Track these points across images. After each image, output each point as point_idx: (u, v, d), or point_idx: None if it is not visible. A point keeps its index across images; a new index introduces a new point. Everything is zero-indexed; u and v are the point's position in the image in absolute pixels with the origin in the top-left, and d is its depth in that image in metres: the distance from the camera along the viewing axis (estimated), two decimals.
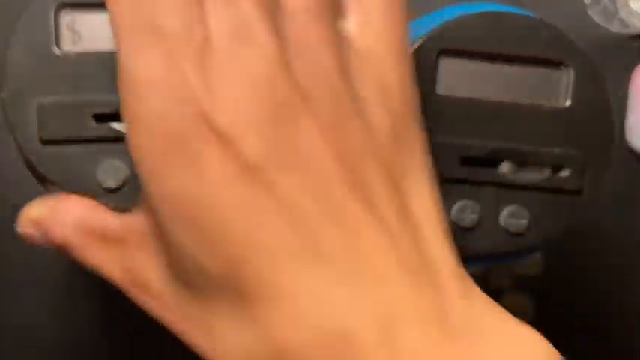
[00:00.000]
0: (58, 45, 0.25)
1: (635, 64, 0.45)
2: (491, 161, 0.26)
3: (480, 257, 0.27)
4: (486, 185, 0.26)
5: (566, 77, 0.26)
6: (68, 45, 0.25)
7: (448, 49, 0.26)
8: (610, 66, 0.45)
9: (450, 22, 0.26)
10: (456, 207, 0.26)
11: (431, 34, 0.26)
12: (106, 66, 0.25)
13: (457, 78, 0.26)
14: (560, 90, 0.26)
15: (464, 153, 0.26)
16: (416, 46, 0.26)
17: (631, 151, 0.45)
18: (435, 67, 0.26)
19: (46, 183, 0.25)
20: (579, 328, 0.45)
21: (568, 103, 0.26)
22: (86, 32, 0.25)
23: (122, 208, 0.25)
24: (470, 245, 0.26)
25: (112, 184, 0.25)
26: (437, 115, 0.26)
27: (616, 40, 0.46)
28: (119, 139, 0.25)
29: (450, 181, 0.26)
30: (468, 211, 0.26)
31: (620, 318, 0.45)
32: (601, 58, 0.44)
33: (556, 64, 0.26)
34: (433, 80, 0.26)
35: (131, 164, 0.24)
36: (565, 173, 0.26)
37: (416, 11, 0.29)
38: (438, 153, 0.25)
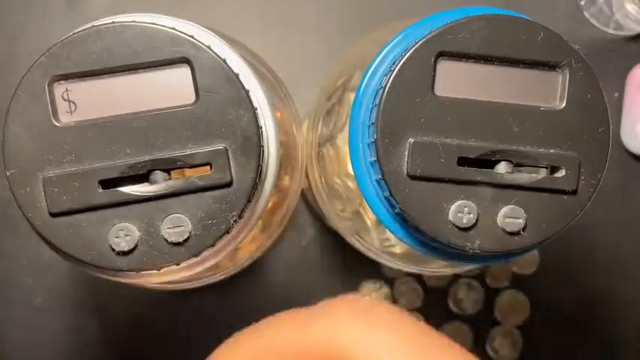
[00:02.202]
0: (55, 117, 0.25)
1: (631, 66, 0.45)
2: (489, 162, 0.26)
3: (478, 257, 0.28)
4: (483, 185, 0.26)
5: (562, 79, 0.26)
6: (65, 116, 0.25)
7: (446, 52, 0.26)
8: (605, 67, 0.45)
9: (448, 25, 0.26)
10: (453, 207, 0.26)
11: (430, 37, 0.26)
12: (105, 132, 0.25)
13: (455, 80, 0.26)
14: (557, 91, 0.26)
15: (461, 154, 0.26)
16: (415, 48, 0.26)
17: (626, 152, 0.45)
18: (433, 69, 0.26)
19: (59, 252, 0.25)
20: (576, 326, 0.45)
21: (564, 104, 0.26)
22: (81, 101, 0.25)
23: (136, 270, 0.25)
24: (467, 245, 0.26)
25: (124, 247, 0.25)
26: (435, 116, 0.26)
27: (611, 41, 0.46)
28: (127, 202, 0.25)
29: (448, 182, 0.26)
30: (465, 210, 0.26)
31: (617, 317, 0.45)
32: (597, 59, 0.45)
33: (552, 65, 0.26)
34: (432, 82, 0.26)
35: (141, 225, 0.25)
36: (561, 174, 0.26)
37: (415, 13, 0.29)
38: (435, 153, 0.26)
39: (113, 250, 0.25)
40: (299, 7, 0.45)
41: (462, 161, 0.26)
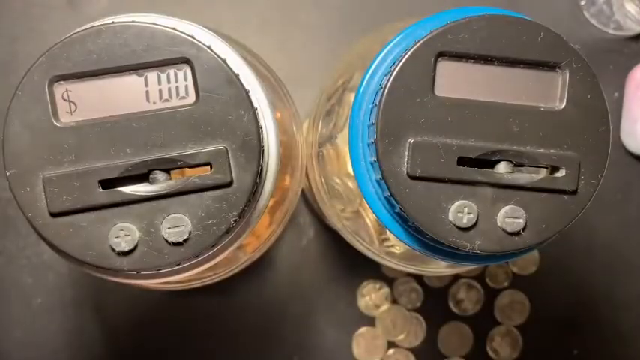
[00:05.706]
0: (56, 117, 0.25)
1: (631, 66, 0.45)
2: (489, 162, 0.26)
3: (478, 257, 0.28)
4: (483, 186, 0.26)
5: (562, 79, 0.26)
6: (65, 116, 0.25)
7: (447, 52, 0.26)
8: (605, 68, 0.45)
9: (448, 25, 0.26)
10: (453, 207, 0.26)
11: (430, 37, 0.26)
12: (105, 132, 0.25)
13: (455, 80, 0.26)
14: (556, 92, 0.26)
15: (461, 154, 0.26)
16: (415, 48, 0.26)
17: (626, 151, 0.45)
18: (433, 69, 0.26)
19: (59, 252, 0.25)
20: (576, 326, 0.45)
21: (564, 104, 0.26)
22: (81, 101, 0.25)
23: (136, 270, 0.25)
24: (467, 245, 0.26)
25: (124, 247, 0.25)
26: (435, 116, 0.26)
27: (611, 42, 0.46)
28: (128, 202, 0.25)
29: (448, 182, 0.26)
30: (465, 211, 0.26)
31: (616, 316, 0.45)
32: (596, 59, 0.45)
33: (552, 66, 0.26)
34: (432, 82, 0.26)
35: (141, 226, 0.25)
36: (561, 174, 0.26)
37: (415, 13, 0.29)
38: (435, 154, 0.26)
39: (113, 250, 0.25)
40: (299, 7, 0.45)
41: (462, 161, 0.26)
